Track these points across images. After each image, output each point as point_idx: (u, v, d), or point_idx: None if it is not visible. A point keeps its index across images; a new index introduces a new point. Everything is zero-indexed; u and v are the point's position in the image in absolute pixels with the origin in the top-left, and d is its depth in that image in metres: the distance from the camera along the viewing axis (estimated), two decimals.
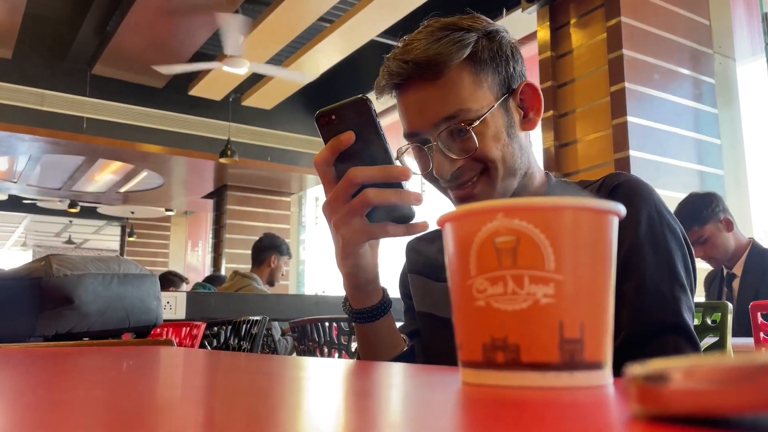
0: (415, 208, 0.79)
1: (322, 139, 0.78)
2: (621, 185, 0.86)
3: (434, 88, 0.86)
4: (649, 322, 0.78)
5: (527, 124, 0.92)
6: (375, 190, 0.75)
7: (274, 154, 7.40)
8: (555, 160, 3.53)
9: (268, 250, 4.07)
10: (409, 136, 0.91)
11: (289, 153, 7.45)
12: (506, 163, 0.88)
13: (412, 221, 0.79)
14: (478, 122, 0.85)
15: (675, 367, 0.22)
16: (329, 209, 0.79)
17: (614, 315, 0.89)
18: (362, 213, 0.77)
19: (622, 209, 0.41)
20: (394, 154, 0.78)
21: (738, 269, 2.57)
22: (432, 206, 0.87)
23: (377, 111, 0.77)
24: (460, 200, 0.90)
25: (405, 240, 1.04)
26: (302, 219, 8.74)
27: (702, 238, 2.55)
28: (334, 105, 0.76)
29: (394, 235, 0.80)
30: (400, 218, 0.79)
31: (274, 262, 4.06)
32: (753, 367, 0.20)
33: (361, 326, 0.89)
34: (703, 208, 2.55)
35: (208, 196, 8.83)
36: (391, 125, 6.22)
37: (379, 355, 0.90)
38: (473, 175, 0.88)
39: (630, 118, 3.24)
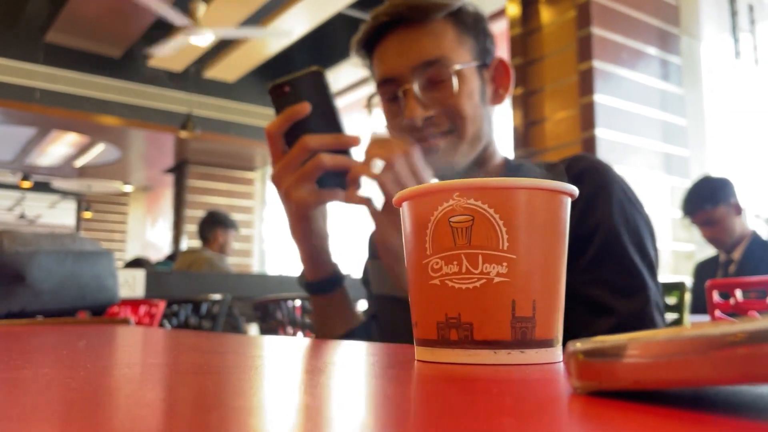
0: (361, 178, 0.82)
1: (274, 110, 0.81)
2: (588, 170, 0.88)
3: (419, 33, 0.88)
4: (635, 302, 0.81)
5: (496, 98, 0.96)
6: (328, 155, 0.79)
7: (237, 128, 7.25)
8: (523, 138, 3.52)
9: (212, 226, 4.08)
10: (384, 83, 0.92)
11: (253, 127, 7.30)
12: (474, 125, 0.90)
13: (359, 190, 0.82)
14: (457, 71, 0.87)
15: (612, 344, 0.23)
16: (280, 176, 0.82)
17: (599, 298, 0.87)
18: (314, 177, 0.80)
19: (575, 190, 0.41)
20: (345, 125, 0.81)
21: (736, 255, 2.64)
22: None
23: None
24: (423, 153, 0.90)
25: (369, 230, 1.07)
26: (266, 195, 8.62)
27: (711, 219, 2.61)
28: (288, 77, 0.79)
29: (342, 201, 0.83)
30: (348, 186, 0.82)
31: (222, 237, 4.06)
32: (683, 341, 0.20)
33: (317, 299, 0.93)
34: (717, 190, 2.62)
35: (169, 171, 8.63)
36: (354, 103, 6.15)
37: (334, 329, 0.93)
38: (442, 130, 0.89)
39: (597, 97, 3.24)
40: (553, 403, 0.25)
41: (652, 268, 0.84)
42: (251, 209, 8.31)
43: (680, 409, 0.22)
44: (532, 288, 0.38)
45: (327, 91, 0.80)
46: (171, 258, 5.21)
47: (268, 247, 8.35)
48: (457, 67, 0.87)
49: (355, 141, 0.81)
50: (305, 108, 0.78)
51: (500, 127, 1.00)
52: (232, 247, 4.16)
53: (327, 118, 0.80)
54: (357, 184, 0.83)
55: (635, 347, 0.22)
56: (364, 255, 1.11)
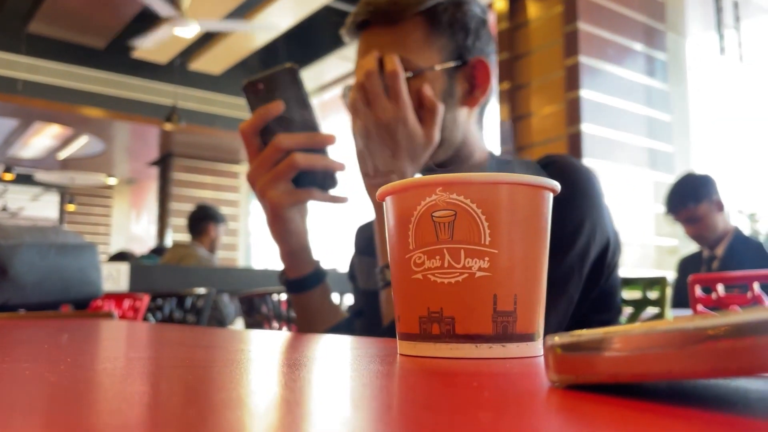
0: (338, 177, 0.82)
1: (249, 108, 0.80)
2: (556, 173, 0.86)
3: (386, 33, 0.88)
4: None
5: (469, 100, 0.91)
6: (302, 154, 0.78)
7: (222, 121, 7.20)
8: (510, 133, 3.53)
9: (204, 220, 4.03)
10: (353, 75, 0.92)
11: (239, 120, 7.25)
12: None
13: (336, 188, 0.83)
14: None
15: (590, 337, 0.23)
16: (255, 175, 0.81)
17: None
18: (288, 177, 0.80)
19: (556, 185, 0.42)
20: (319, 122, 0.81)
21: (719, 251, 2.67)
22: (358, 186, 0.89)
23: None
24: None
25: (355, 225, 1.09)
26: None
27: (695, 217, 2.64)
28: (261, 74, 0.79)
29: (318, 200, 0.83)
30: (325, 185, 0.83)
31: (213, 231, 4.03)
32: (660, 335, 0.21)
33: (298, 297, 0.92)
34: (699, 187, 2.64)
35: (153, 164, 8.56)
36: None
37: (316, 326, 0.92)
38: None
39: (583, 93, 3.26)
40: (530, 396, 0.25)
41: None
42: (237, 203, 8.27)
43: (657, 402, 0.22)
44: (514, 282, 0.39)
45: (301, 87, 0.80)
46: (156, 251, 5.17)
47: (254, 241, 8.32)
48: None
49: (329, 139, 0.80)
50: (279, 106, 0.78)
51: (484, 124, 0.97)
52: (221, 241, 4.14)
53: (302, 116, 0.80)
54: (334, 183, 0.82)
55: (613, 341, 0.22)
56: (350, 250, 1.11)
